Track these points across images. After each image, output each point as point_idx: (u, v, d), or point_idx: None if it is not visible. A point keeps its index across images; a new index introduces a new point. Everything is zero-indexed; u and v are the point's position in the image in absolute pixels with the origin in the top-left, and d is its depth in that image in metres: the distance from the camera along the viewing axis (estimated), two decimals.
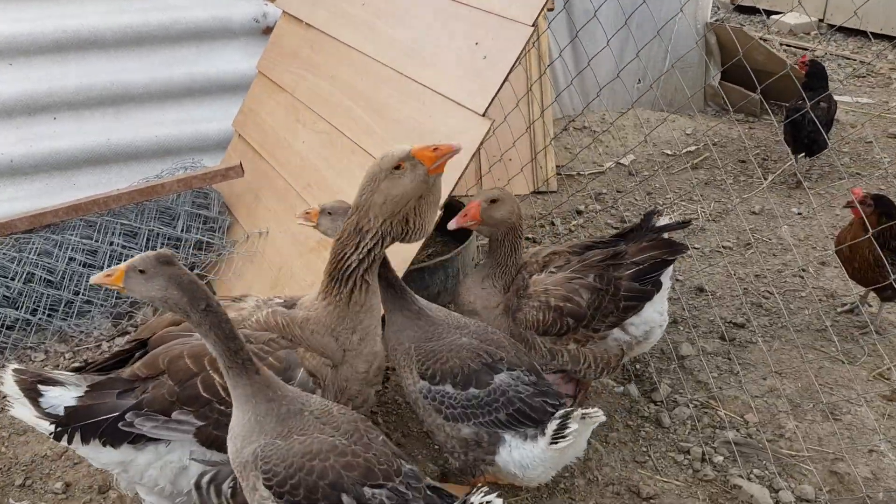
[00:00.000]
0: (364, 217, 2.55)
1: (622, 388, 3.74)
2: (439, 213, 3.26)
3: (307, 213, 3.06)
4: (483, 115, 3.28)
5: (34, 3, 5.01)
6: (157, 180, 4.55)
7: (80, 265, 4.33)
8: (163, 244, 4.51)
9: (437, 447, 3.29)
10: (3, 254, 4.26)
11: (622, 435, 3.45)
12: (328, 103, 4.21)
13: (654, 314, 3.38)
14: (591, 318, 3.13)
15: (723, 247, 4.95)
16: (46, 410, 2.52)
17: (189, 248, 4.54)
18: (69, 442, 2.53)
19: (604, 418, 2.61)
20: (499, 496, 2.17)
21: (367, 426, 2.42)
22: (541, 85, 5.74)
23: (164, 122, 5.28)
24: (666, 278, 3.42)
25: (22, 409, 2.53)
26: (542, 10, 3.29)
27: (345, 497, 2.20)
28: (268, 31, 5.40)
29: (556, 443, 2.61)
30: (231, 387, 2.29)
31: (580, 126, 6.71)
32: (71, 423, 2.50)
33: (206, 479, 2.59)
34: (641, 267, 3.30)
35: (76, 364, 3.14)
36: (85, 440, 2.52)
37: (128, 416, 2.50)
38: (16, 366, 2.61)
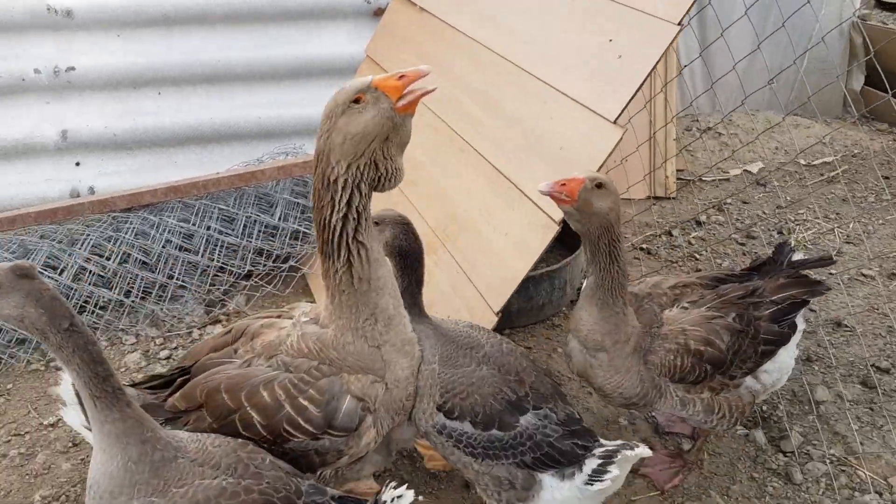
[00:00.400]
0: (327, 165, 2.18)
1: (747, 432, 3.33)
2: (557, 227, 2.96)
3: None
4: (614, 122, 2.93)
5: None
6: (256, 166, 4.38)
7: (176, 248, 4.21)
8: (260, 231, 4.35)
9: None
10: (101, 232, 4.18)
11: (746, 488, 3.06)
12: (438, 95, 3.91)
13: (788, 359, 2.98)
14: (729, 364, 2.74)
15: (863, 275, 4.42)
16: None
17: (285, 237, 4.37)
18: None
19: (649, 453, 2.36)
20: (408, 488, 1.97)
21: (249, 452, 2.15)
22: (665, 86, 5.29)
23: (266, 103, 5.13)
24: (800, 319, 3.02)
25: (72, 416, 2.38)
26: (691, 7, 2.89)
27: None
28: (378, 12, 5.16)
29: (593, 484, 2.39)
30: (97, 422, 1.95)
31: (704, 127, 6.20)
32: None
33: None
34: (780, 307, 2.89)
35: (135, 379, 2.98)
36: None
37: None
38: None
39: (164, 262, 4.18)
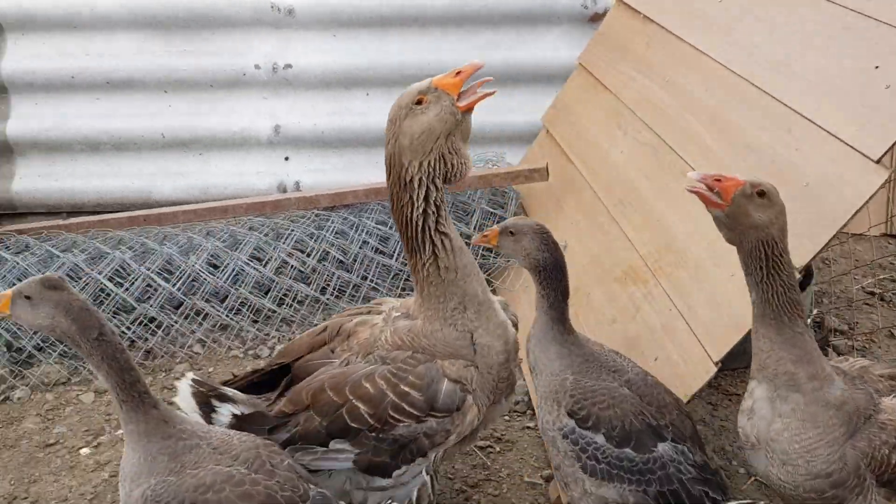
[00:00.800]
0: (400, 167, 2.32)
1: None
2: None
3: (485, 235, 2.66)
4: (877, 161, 2.53)
5: None
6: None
7: (371, 250, 4.22)
8: None
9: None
10: (304, 228, 4.27)
11: None
12: (659, 112, 3.63)
13: None
14: None
15: None
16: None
17: (479, 248, 4.25)
18: None
19: None
20: None
21: (271, 451, 2.28)
22: None
23: None
24: None
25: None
26: None
27: None
28: (595, 18, 4.92)
29: None
30: (123, 422, 2.17)
31: None
32: None
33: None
34: None
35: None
36: None
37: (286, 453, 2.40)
38: (194, 376, 2.53)
39: (360, 263, 4.20)
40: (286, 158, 5.06)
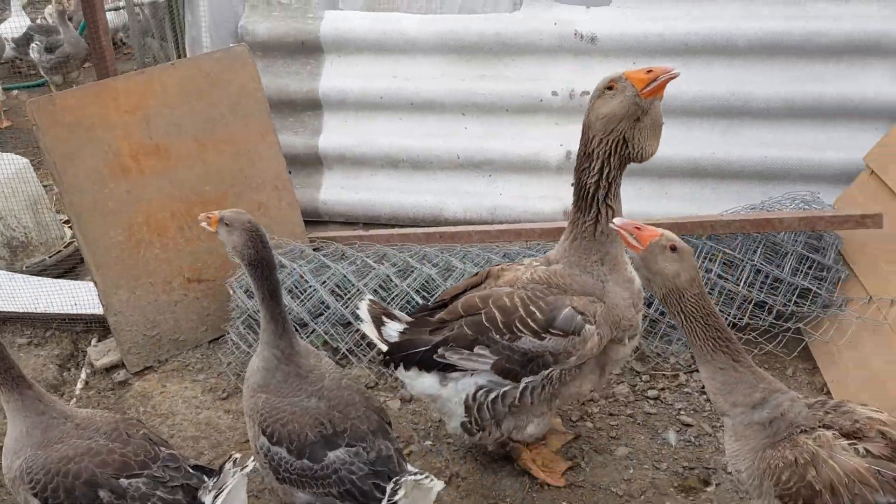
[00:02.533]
0: (588, 137, 2.81)
1: None
2: None
3: (208, 216, 2.88)
4: None
5: (671, 3, 4.86)
6: (773, 213, 4.05)
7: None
8: (763, 283, 4.01)
9: None
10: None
11: None
12: None
13: None
14: None
15: None
16: (384, 336, 3.21)
17: (792, 293, 3.98)
18: (395, 368, 3.19)
19: (441, 485, 2.54)
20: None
21: (129, 424, 2.76)
22: None
23: (775, 143, 4.75)
24: None
25: (370, 329, 3.24)
26: None
27: (101, 492, 2.53)
28: None
29: None
30: (4, 402, 2.70)
31: None
32: (396, 353, 3.14)
33: (481, 392, 3.03)
34: None
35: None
36: (407, 367, 3.14)
37: (440, 350, 3.04)
38: (371, 297, 3.36)
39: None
40: (572, 184, 5.03)
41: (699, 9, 4.79)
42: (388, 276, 4.18)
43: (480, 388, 3.04)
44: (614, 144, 2.75)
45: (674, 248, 2.42)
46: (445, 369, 3.07)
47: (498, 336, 2.96)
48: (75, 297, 4.68)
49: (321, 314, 4.15)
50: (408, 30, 5.11)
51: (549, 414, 3.22)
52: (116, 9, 9.08)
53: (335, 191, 5.33)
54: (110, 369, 4.35)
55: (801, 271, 4.02)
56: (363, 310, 3.26)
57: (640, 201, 4.90)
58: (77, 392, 4.20)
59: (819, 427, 2.35)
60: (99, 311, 4.51)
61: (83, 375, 4.32)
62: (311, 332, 4.10)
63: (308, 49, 5.27)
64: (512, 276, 3.15)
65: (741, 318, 3.97)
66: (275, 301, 2.78)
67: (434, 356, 3.05)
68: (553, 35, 4.92)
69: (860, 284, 3.88)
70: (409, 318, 3.28)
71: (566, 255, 3.05)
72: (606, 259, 2.97)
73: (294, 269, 4.18)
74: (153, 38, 7.98)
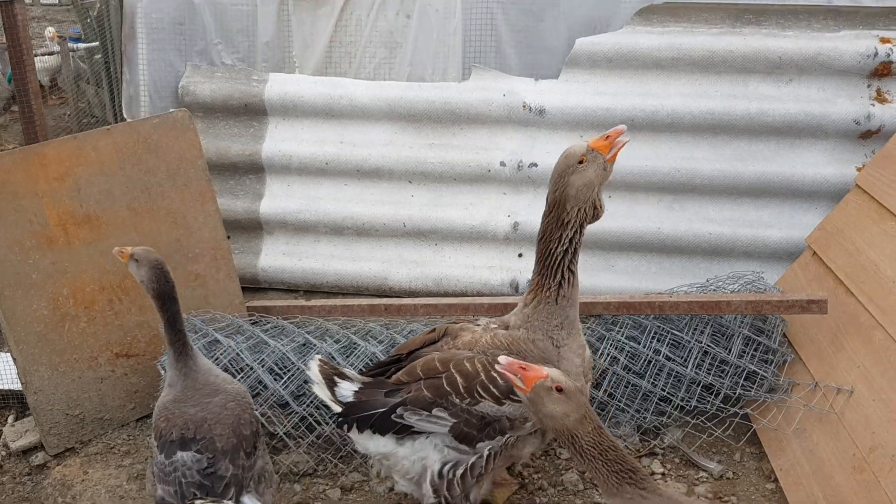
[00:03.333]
0: (563, 210, 2.93)
1: None
2: None
3: (121, 251, 3.16)
4: None
5: (618, 79, 4.90)
6: (721, 294, 4.04)
7: (621, 367, 4.01)
8: (711, 364, 3.99)
9: None
10: (591, 329, 4.11)
11: None
12: None
13: None
14: None
15: None
16: (337, 396, 3.16)
17: (739, 376, 3.96)
18: (348, 430, 3.17)
19: None
20: None
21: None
22: None
23: (719, 219, 4.80)
24: None
25: (321, 390, 3.19)
26: None
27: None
28: (866, 135, 4.60)
29: None
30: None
31: None
32: (351, 414, 3.11)
33: (447, 467, 3.07)
34: None
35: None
36: (360, 429, 3.12)
37: (398, 410, 3.04)
38: (321, 357, 3.29)
39: (608, 380, 4.01)
40: (520, 255, 4.99)
41: (645, 86, 4.84)
42: (330, 353, 4.02)
43: (446, 463, 3.08)
44: (588, 210, 2.94)
45: (560, 389, 2.43)
46: (401, 430, 3.08)
47: (458, 400, 3.02)
48: None
49: (258, 394, 3.96)
50: (356, 95, 5.03)
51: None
52: (51, 53, 8.78)
53: (276, 257, 5.16)
54: (27, 451, 4.06)
55: (748, 353, 4.01)
56: (314, 370, 3.26)
57: (585, 274, 4.85)
58: None
59: None
60: (16, 385, 4.23)
61: None
62: None
63: (252, 111, 5.13)
64: (470, 337, 3.21)
65: (689, 401, 3.93)
66: (176, 327, 3.13)
67: (392, 416, 3.06)
68: (502, 106, 4.90)
69: (806, 369, 3.89)
70: (362, 378, 3.25)
71: (529, 320, 3.13)
72: (566, 324, 3.10)
73: (230, 346, 3.99)
74: (88, 84, 7.72)
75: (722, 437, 3.88)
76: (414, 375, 3.12)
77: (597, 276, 4.86)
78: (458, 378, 3.03)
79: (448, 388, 3.02)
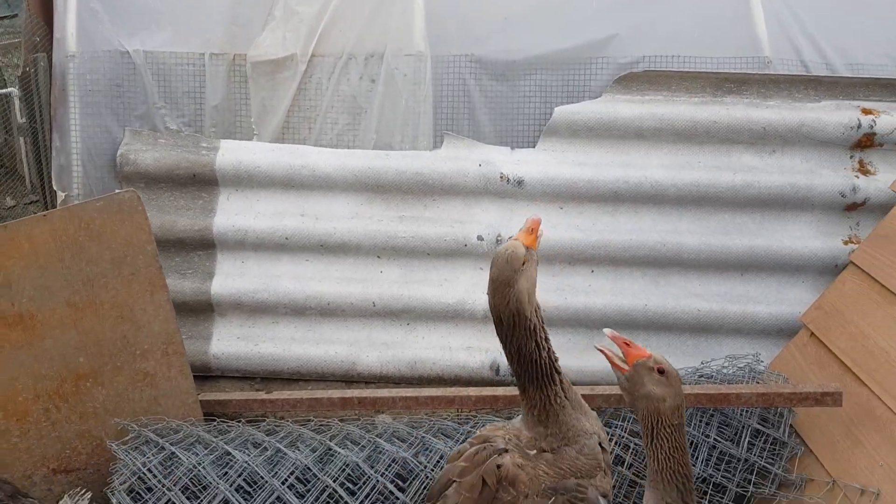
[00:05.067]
0: (525, 319, 2.67)
1: None
2: None
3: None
4: None
5: (598, 149, 4.67)
6: (730, 387, 3.80)
7: (621, 464, 3.72)
8: (720, 459, 3.74)
9: None
10: None
11: None
12: None
13: None
14: None
15: None
16: None
17: (748, 472, 3.72)
18: None
19: None
20: None
21: None
22: None
23: (706, 294, 4.59)
24: None
25: None
26: None
27: None
28: (851, 207, 4.50)
29: None
30: None
31: None
32: None
33: None
34: None
35: None
36: None
37: None
38: None
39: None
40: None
41: (627, 156, 4.63)
42: (306, 466, 3.56)
43: None
44: (538, 307, 2.74)
45: (661, 371, 2.40)
46: None
47: None
48: None
49: None
50: (318, 164, 4.61)
51: None
52: None
53: (229, 342, 4.64)
54: None
55: (756, 446, 3.78)
56: None
57: (571, 354, 4.57)
58: None
59: None
60: None
61: None
62: None
63: (201, 182, 4.64)
64: (527, 476, 2.68)
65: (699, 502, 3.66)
66: None
67: None
68: (478, 177, 4.59)
69: (818, 463, 3.68)
70: None
71: (554, 438, 2.72)
72: (576, 405, 2.80)
73: (192, 463, 3.47)
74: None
75: None
76: None
77: (584, 357, 4.56)
78: None
79: None
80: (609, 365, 2.55)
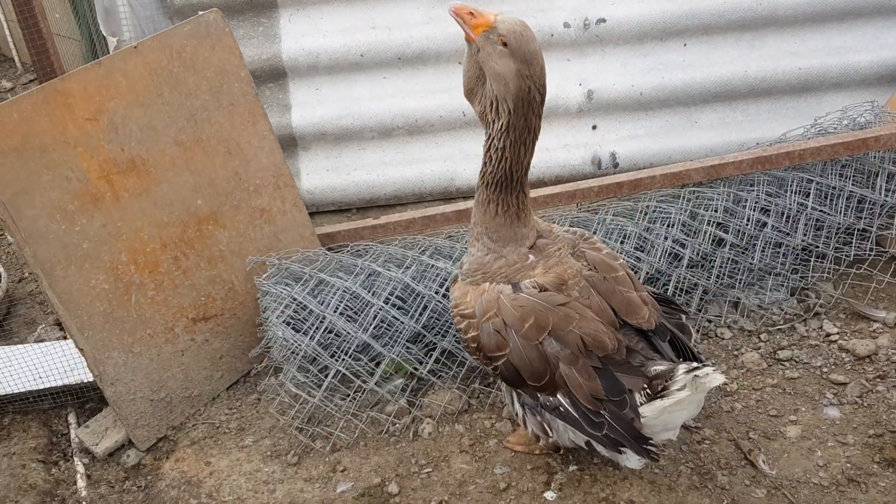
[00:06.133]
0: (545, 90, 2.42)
1: None
2: None
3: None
4: None
5: None
6: (867, 131, 3.69)
7: (759, 226, 3.66)
8: (851, 207, 3.70)
9: None
10: (681, 207, 3.71)
11: None
12: None
13: None
14: None
15: None
16: None
17: (883, 213, 3.70)
18: None
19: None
20: None
21: None
22: None
23: (803, 52, 4.40)
24: None
25: None
26: None
27: None
28: None
29: None
30: None
31: None
32: None
33: None
34: None
35: None
36: None
37: None
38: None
39: (747, 243, 3.66)
40: (593, 127, 4.47)
41: None
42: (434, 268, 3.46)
43: None
44: None
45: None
46: None
47: None
48: (31, 366, 3.59)
49: (382, 334, 3.39)
50: None
51: None
52: None
53: (319, 175, 4.44)
54: (113, 453, 3.38)
55: (892, 190, 3.73)
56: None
57: (669, 136, 4.43)
58: (83, 493, 3.21)
59: None
60: (70, 380, 3.52)
61: (80, 469, 3.31)
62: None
63: (257, 6, 4.25)
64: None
65: (842, 250, 3.65)
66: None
67: None
68: None
69: None
70: None
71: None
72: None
73: (344, 287, 3.35)
74: None
75: (890, 281, 3.63)
76: None
77: (682, 136, 4.44)
78: None
79: None
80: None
